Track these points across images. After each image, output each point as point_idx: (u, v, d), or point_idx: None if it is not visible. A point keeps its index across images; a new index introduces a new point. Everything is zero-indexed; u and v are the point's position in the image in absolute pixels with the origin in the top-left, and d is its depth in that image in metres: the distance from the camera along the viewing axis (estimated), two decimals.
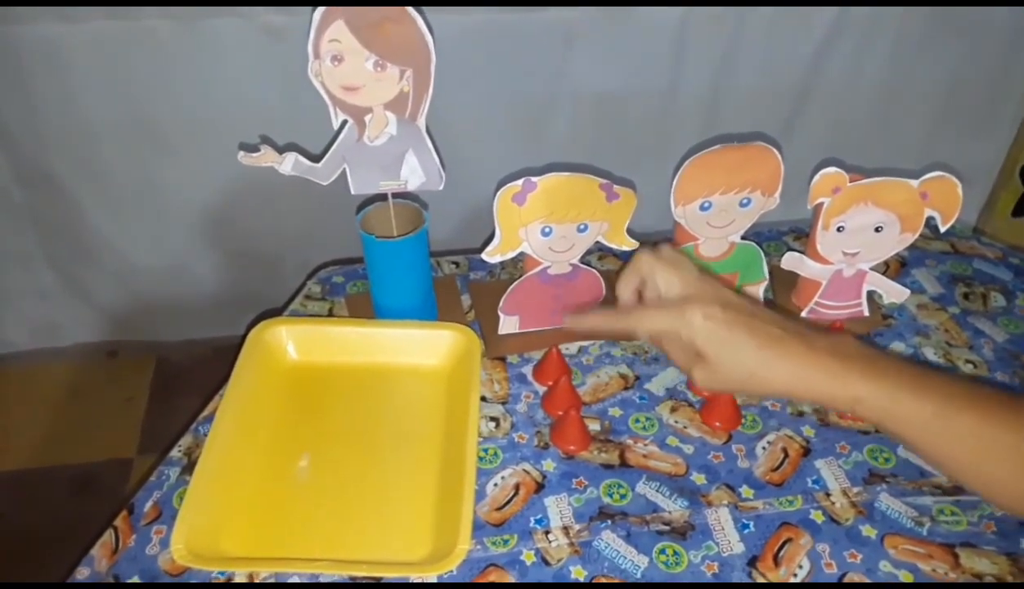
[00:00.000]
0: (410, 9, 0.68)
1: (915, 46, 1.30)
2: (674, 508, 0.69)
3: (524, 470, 0.73)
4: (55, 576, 1.18)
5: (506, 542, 0.67)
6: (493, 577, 0.64)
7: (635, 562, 0.65)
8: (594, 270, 0.83)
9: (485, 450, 0.74)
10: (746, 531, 0.68)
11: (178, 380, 1.63)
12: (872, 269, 0.83)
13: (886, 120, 1.40)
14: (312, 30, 0.67)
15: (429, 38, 0.69)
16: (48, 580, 1.22)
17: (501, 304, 0.82)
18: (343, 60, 0.69)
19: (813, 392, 0.60)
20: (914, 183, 0.76)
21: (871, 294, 0.86)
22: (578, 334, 0.71)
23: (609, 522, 0.68)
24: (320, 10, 0.66)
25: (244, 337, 0.81)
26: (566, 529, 0.68)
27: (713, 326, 0.60)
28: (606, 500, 0.70)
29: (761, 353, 0.59)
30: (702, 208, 0.77)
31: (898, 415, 0.58)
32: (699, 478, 0.72)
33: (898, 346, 0.85)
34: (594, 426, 0.76)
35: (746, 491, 0.71)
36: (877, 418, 0.59)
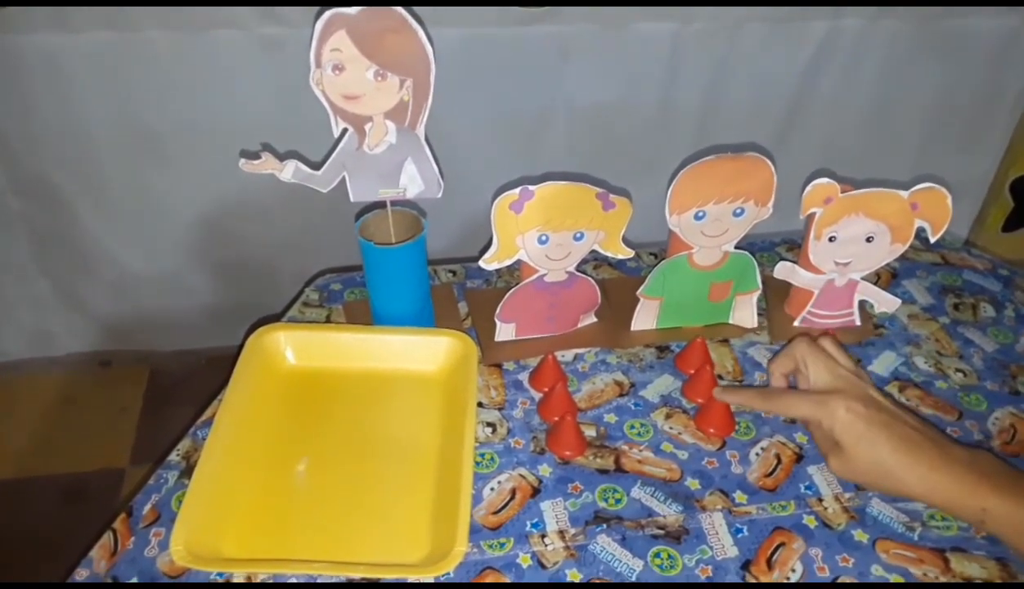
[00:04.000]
0: (411, 20, 0.69)
1: (905, 62, 1.32)
2: (669, 513, 0.70)
3: (520, 475, 0.73)
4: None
5: (502, 545, 0.67)
6: (490, 580, 0.65)
7: (630, 565, 0.66)
8: (590, 278, 0.84)
9: (482, 455, 0.75)
10: (740, 535, 0.68)
11: (172, 390, 1.64)
12: (863, 279, 0.84)
13: (877, 136, 1.42)
14: (314, 39, 0.68)
15: (429, 49, 0.70)
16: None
17: (498, 311, 0.83)
18: (344, 69, 0.70)
19: (943, 499, 0.64)
20: (904, 194, 0.77)
21: (862, 304, 0.88)
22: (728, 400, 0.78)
23: (604, 526, 0.69)
24: (322, 19, 0.67)
25: (242, 343, 0.81)
26: (562, 533, 0.68)
27: (853, 420, 0.66)
28: (601, 504, 0.71)
29: (896, 454, 0.65)
30: (696, 217, 0.78)
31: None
32: (693, 483, 0.73)
33: (889, 355, 0.86)
34: (589, 432, 0.77)
35: (740, 496, 0.72)
36: (1003, 531, 0.62)
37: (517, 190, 0.73)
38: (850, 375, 0.71)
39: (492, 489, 0.72)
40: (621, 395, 0.82)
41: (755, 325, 0.89)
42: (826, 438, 0.70)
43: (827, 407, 0.68)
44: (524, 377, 0.83)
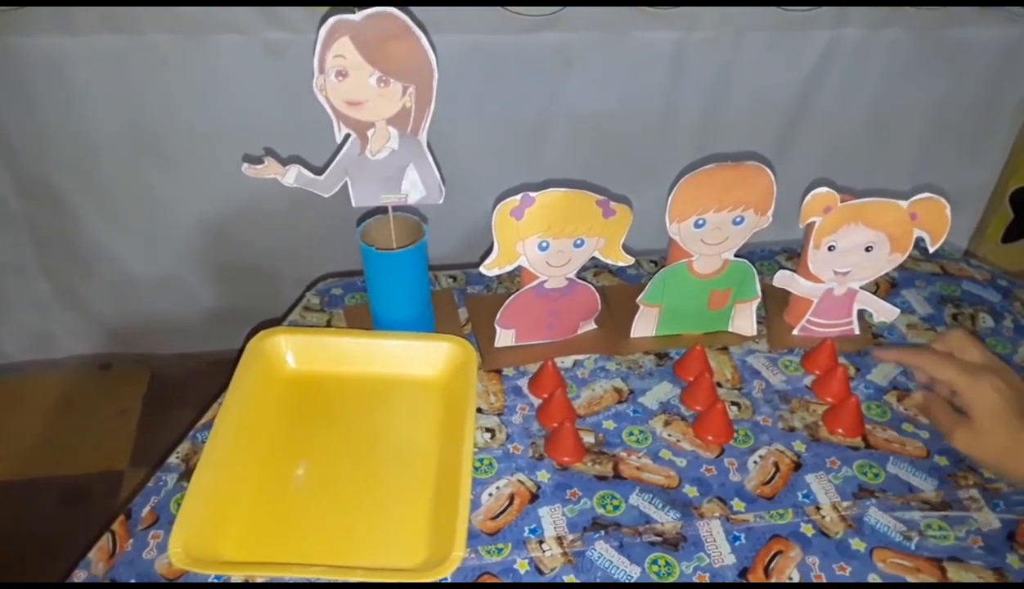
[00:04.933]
0: (414, 27, 0.69)
1: (906, 73, 1.32)
2: (666, 520, 0.70)
3: (519, 480, 0.74)
4: None
5: (500, 551, 0.67)
6: (487, 583, 0.65)
7: (628, 572, 0.66)
8: (590, 285, 0.84)
9: (480, 460, 0.75)
10: (737, 543, 0.68)
11: (172, 394, 1.63)
12: (862, 288, 0.85)
13: (877, 146, 1.42)
14: (318, 45, 0.69)
15: (432, 56, 0.71)
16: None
17: (498, 317, 0.83)
18: (347, 75, 0.71)
19: None
20: (904, 204, 0.77)
21: (861, 313, 0.88)
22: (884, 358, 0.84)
23: (602, 532, 0.69)
24: (326, 26, 0.68)
25: (242, 347, 0.82)
26: (560, 539, 0.69)
27: (996, 398, 0.71)
28: (599, 511, 0.71)
29: (1021, 435, 0.69)
30: (696, 225, 0.78)
31: None
32: (691, 491, 0.73)
33: (887, 366, 0.86)
34: (588, 438, 0.77)
35: (737, 504, 0.72)
36: None
37: (518, 196, 0.74)
38: (1003, 363, 0.76)
39: (490, 494, 0.72)
40: (620, 402, 0.82)
41: (754, 333, 0.89)
42: (950, 413, 0.76)
43: (976, 377, 0.73)
44: (523, 383, 0.83)
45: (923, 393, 0.80)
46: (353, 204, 0.78)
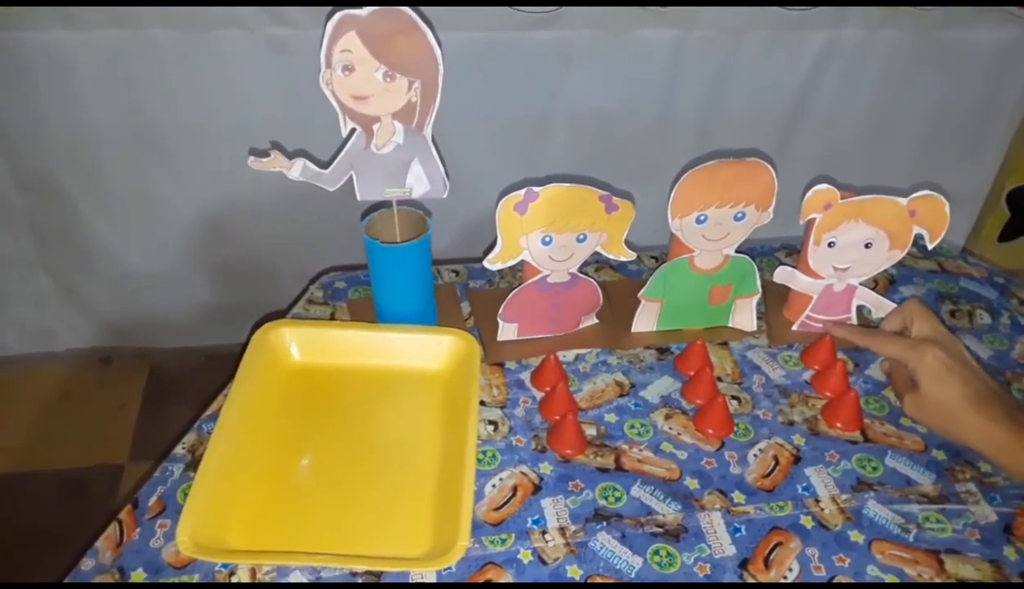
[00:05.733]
0: (420, 22, 0.70)
1: (904, 72, 1.33)
2: (668, 511, 0.71)
3: (522, 472, 0.74)
4: (42, 579, 1.19)
5: (504, 541, 0.68)
6: (491, 575, 0.66)
7: (629, 562, 0.67)
8: (592, 280, 0.85)
9: (484, 452, 0.76)
10: (738, 535, 0.69)
11: (172, 388, 1.64)
12: (862, 285, 0.86)
13: (875, 145, 1.43)
14: (324, 40, 0.69)
15: (438, 51, 0.71)
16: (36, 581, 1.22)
17: (501, 311, 0.84)
18: (354, 70, 0.71)
19: (995, 448, 0.72)
20: (903, 201, 0.78)
21: (860, 309, 0.89)
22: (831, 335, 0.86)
23: (604, 524, 0.70)
24: (333, 20, 0.68)
25: (247, 339, 0.82)
26: (562, 530, 0.69)
27: (937, 365, 0.75)
28: (601, 502, 0.72)
29: (965, 401, 0.73)
30: (698, 221, 0.79)
31: None
32: (692, 483, 0.74)
33: (885, 360, 0.87)
34: (590, 431, 0.78)
35: (738, 496, 0.73)
36: None
37: (522, 191, 0.74)
38: (949, 334, 0.79)
39: (494, 486, 0.73)
40: (621, 395, 0.83)
41: (754, 328, 0.90)
42: (907, 380, 0.79)
43: (917, 350, 0.77)
44: (526, 376, 0.84)
45: (889, 362, 0.84)
46: (358, 198, 0.79)
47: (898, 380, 0.82)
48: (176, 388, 1.63)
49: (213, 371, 0.82)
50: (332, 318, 0.91)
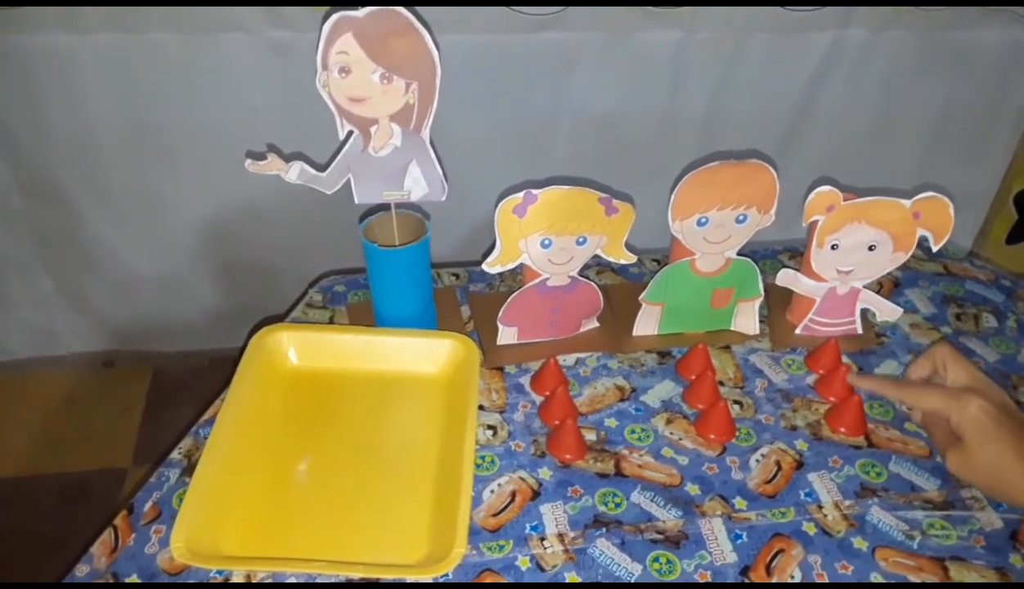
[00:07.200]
0: (417, 23, 0.69)
1: (909, 74, 1.32)
2: (668, 518, 0.70)
3: (520, 478, 0.74)
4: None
5: (502, 548, 0.67)
6: (488, 582, 0.65)
7: (629, 570, 0.66)
8: (592, 283, 0.84)
9: (482, 457, 0.75)
10: (739, 541, 0.68)
11: (174, 391, 1.64)
12: (866, 287, 0.85)
13: (880, 147, 1.42)
14: (321, 42, 0.69)
15: (435, 52, 0.71)
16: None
17: (500, 315, 0.83)
18: (351, 72, 0.71)
19: None
20: (907, 203, 0.77)
21: (864, 312, 0.88)
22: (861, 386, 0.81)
23: (604, 530, 0.69)
24: (329, 22, 0.68)
25: (245, 344, 0.82)
26: (561, 536, 0.68)
27: (984, 418, 0.68)
28: (601, 508, 0.71)
29: (1018, 458, 0.66)
30: (699, 224, 0.78)
31: None
32: (693, 489, 0.73)
33: (891, 364, 0.86)
34: (590, 436, 0.77)
35: (739, 502, 0.72)
36: None
37: (521, 194, 0.74)
38: (989, 380, 0.73)
39: (492, 491, 0.72)
40: (622, 400, 0.82)
41: (757, 332, 0.89)
42: (948, 433, 0.72)
43: (960, 401, 0.70)
44: (525, 380, 0.83)
45: (923, 414, 0.78)
46: (356, 201, 0.78)
47: (938, 434, 0.75)
48: (179, 392, 1.62)
49: (216, 374, 0.82)
50: (331, 322, 0.91)
